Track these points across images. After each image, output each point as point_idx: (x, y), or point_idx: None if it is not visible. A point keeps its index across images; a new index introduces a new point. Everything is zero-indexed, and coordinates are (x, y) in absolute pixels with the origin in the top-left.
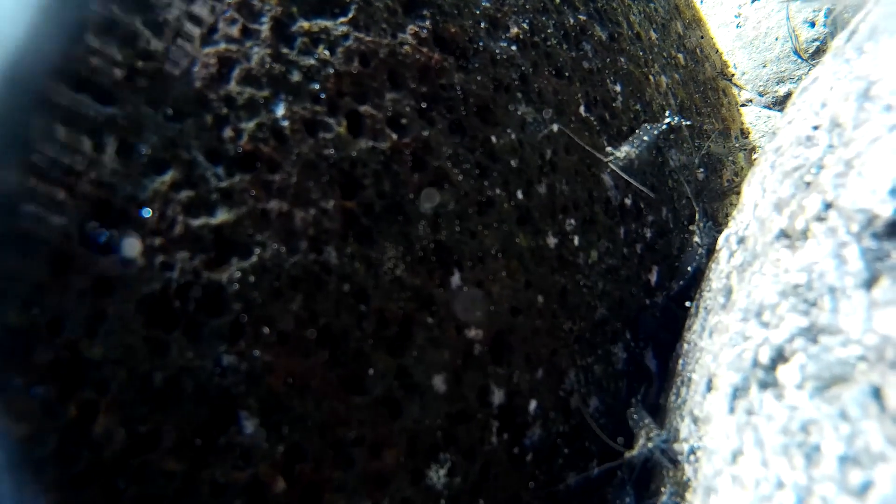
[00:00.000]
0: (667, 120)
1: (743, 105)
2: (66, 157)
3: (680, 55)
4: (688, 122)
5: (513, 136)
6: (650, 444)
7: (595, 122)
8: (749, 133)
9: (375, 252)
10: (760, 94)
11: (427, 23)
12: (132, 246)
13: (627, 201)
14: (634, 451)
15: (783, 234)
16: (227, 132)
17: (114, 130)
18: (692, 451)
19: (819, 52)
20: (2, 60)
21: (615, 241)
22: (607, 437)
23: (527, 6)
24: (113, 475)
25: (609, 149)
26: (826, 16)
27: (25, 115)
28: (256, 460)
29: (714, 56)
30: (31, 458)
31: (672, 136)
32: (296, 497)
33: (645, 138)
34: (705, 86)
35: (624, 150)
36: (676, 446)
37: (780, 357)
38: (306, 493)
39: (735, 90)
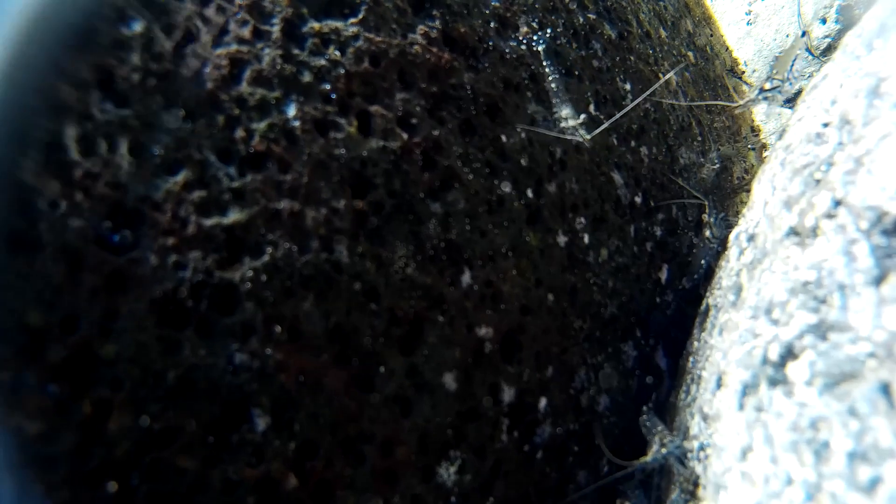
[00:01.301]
0: (542, 54)
1: None
2: (80, 158)
3: (690, 53)
4: (548, 35)
5: (522, 135)
6: (664, 451)
7: (605, 121)
8: (759, 130)
9: (386, 251)
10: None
11: (437, 23)
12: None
13: (637, 199)
14: (648, 458)
15: (793, 232)
16: (239, 132)
17: (127, 131)
18: (702, 448)
19: (830, 49)
20: (14, 62)
21: (625, 239)
22: (616, 434)
23: (536, 5)
24: (126, 472)
25: (564, 125)
26: (837, 12)
27: (39, 117)
28: (268, 457)
29: (724, 53)
30: (43, 456)
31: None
32: (307, 494)
33: (554, 86)
34: (715, 83)
35: (565, 114)
36: (686, 444)
37: (789, 354)
38: (318, 490)
39: (745, 88)
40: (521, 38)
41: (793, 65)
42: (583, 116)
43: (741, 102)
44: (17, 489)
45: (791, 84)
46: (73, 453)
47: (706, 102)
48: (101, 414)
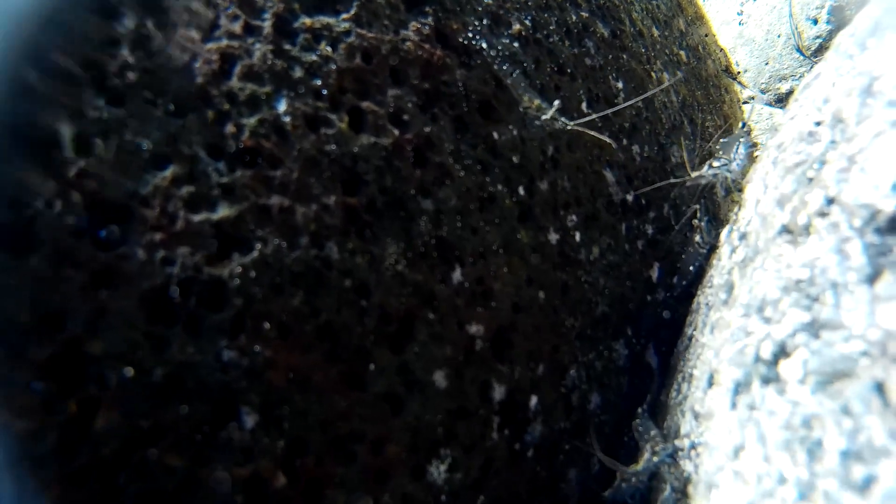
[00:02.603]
0: (485, 53)
1: (745, 102)
2: (67, 153)
3: (682, 52)
4: (484, 28)
5: (514, 133)
6: (655, 459)
7: (597, 119)
8: (751, 130)
9: (377, 248)
10: (763, 92)
11: (429, 19)
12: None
13: (629, 198)
14: (639, 466)
15: (785, 230)
16: (229, 128)
17: (114, 126)
18: (693, 446)
19: (822, 50)
20: (6, 57)
21: (617, 237)
22: (608, 432)
23: (529, 3)
24: (114, 471)
25: (544, 118)
26: (829, 13)
27: (22, 108)
28: (257, 456)
29: (717, 53)
30: (31, 454)
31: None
32: (297, 492)
33: (510, 82)
34: (707, 83)
35: (536, 105)
36: (678, 442)
37: (782, 352)
38: (307, 489)
39: (738, 87)
40: (459, 37)
41: (737, 147)
42: (556, 103)
43: (692, 176)
44: (15, 487)
45: (739, 165)
46: (60, 452)
47: (653, 186)
48: (88, 412)
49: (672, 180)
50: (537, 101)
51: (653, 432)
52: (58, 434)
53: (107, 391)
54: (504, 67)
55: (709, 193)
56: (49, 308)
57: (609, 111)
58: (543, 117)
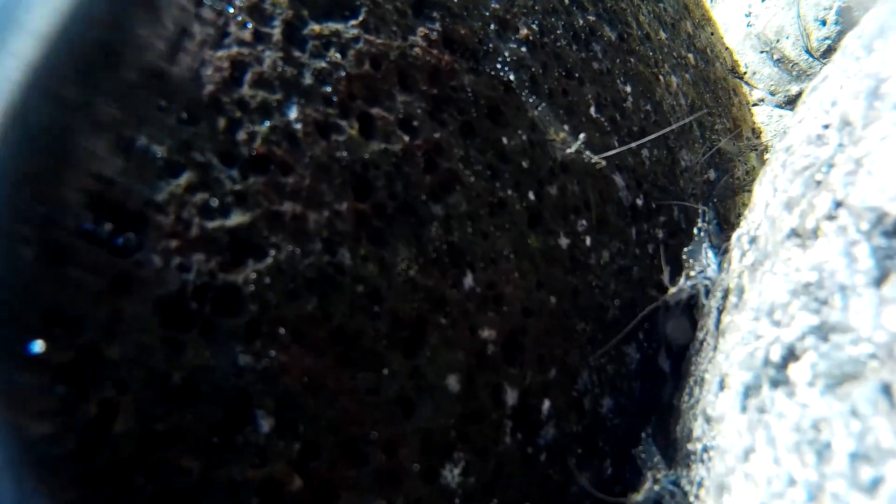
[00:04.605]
0: (514, 83)
1: (755, 105)
2: (85, 160)
3: (690, 55)
4: (509, 57)
5: (523, 137)
6: (657, 488)
7: (606, 123)
8: (761, 132)
9: (388, 253)
10: (772, 94)
11: (437, 25)
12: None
13: (639, 202)
14: (640, 497)
15: (794, 233)
16: (241, 135)
17: (130, 133)
18: (705, 450)
19: (830, 51)
20: (19, 61)
21: (627, 241)
22: (619, 437)
23: (536, 7)
24: (131, 473)
25: (569, 151)
26: (837, 14)
27: (37, 116)
28: (272, 459)
29: (725, 55)
30: (49, 456)
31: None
32: (311, 495)
33: (537, 114)
34: (716, 85)
35: (562, 136)
36: (690, 446)
37: (791, 355)
38: (321, 492)
39: (746, 88)
40: (488, 68)
41: (706, 254)
42: (582, 136)
43: (672, 292)
44: (17, 489)
45: (714, 271)
46: (79, 454)
47: (647, 309)
48: (107, 415)
49: (651, 306)
50: (563, 134)
51: (655, 459)
52: (77, 437)
53: (125, 395)
54: (531, 100)
55: (718, 197)
56: (67, 313)
57: (635, 143)
58: (568, 150)
